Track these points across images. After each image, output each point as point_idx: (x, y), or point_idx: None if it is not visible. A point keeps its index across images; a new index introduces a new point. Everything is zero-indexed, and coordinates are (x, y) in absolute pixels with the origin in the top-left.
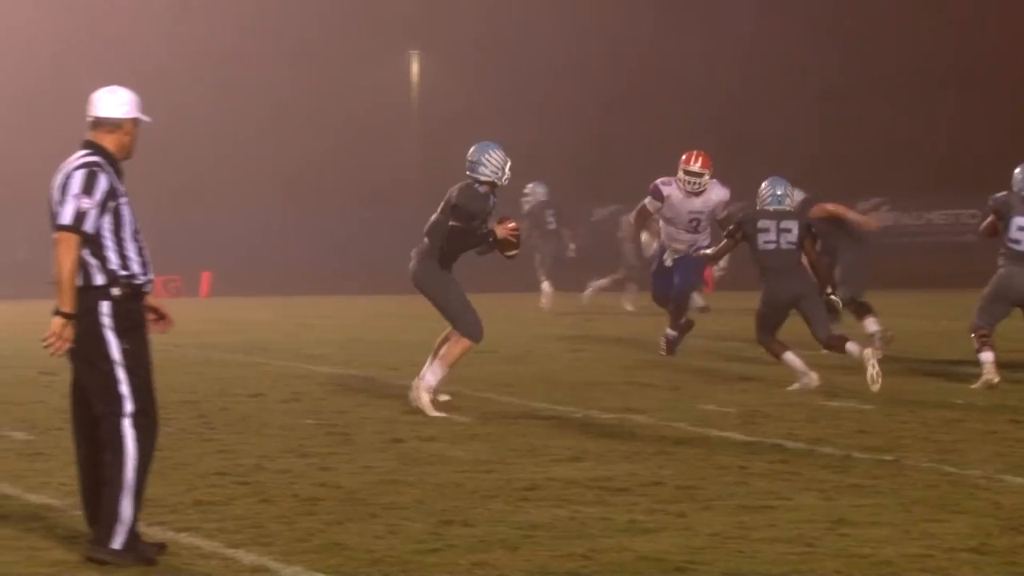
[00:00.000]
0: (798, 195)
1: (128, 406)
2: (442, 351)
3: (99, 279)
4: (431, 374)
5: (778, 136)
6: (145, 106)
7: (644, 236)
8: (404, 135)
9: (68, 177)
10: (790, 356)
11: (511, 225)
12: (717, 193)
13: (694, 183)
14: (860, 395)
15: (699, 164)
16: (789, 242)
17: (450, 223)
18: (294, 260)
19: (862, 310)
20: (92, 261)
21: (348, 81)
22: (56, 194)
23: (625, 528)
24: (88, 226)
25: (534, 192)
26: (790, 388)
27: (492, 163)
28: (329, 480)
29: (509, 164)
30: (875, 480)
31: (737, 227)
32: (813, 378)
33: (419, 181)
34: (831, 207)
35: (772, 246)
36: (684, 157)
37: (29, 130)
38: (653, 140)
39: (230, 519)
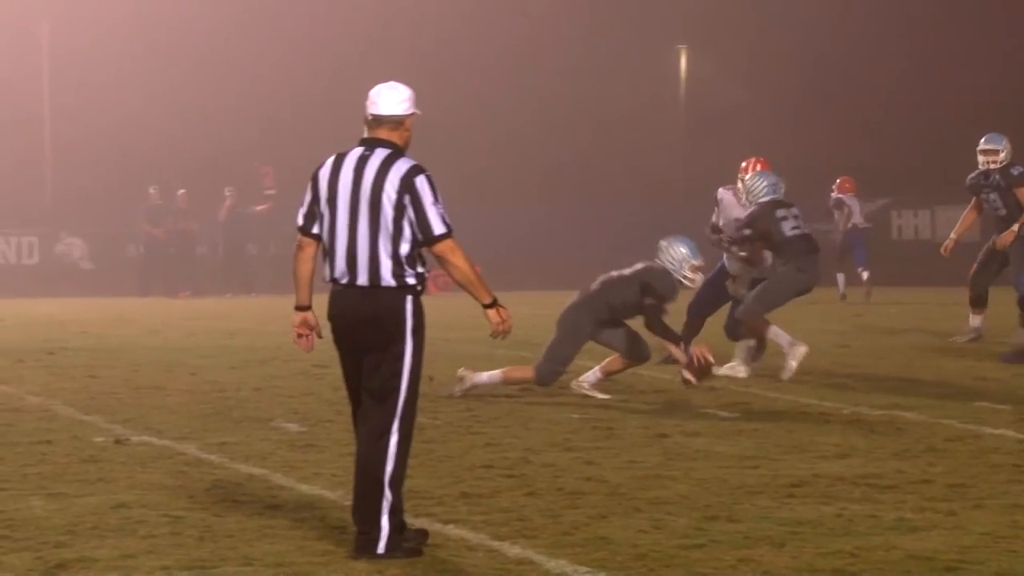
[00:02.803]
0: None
1: (400, 407)
2: (605, 363)
3: (410, 279)
4: (593, 374)
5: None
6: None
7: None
8: (671, 131)
9: (408, 185)
10: (777, 330)
11: (707, 353)
12: None
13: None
14: None
15: (760, 171)
16: (803, 226)
17: (647, 301)
18: (559, 255)
19: None
20: (406, 261)
21: (616, 76)
22: (392, 195)
23: (893, 526)
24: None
25: None
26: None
27: (673, 255)
28: (594, 474)
29: (691, 265)
30: None
31: (749, 227)
32: (801, 350)
33: (684, 178)
34: None
35: (799, 231)
36: (744, 164)
37: (307, 129)
38: (920, 134)
39: (496, 511)
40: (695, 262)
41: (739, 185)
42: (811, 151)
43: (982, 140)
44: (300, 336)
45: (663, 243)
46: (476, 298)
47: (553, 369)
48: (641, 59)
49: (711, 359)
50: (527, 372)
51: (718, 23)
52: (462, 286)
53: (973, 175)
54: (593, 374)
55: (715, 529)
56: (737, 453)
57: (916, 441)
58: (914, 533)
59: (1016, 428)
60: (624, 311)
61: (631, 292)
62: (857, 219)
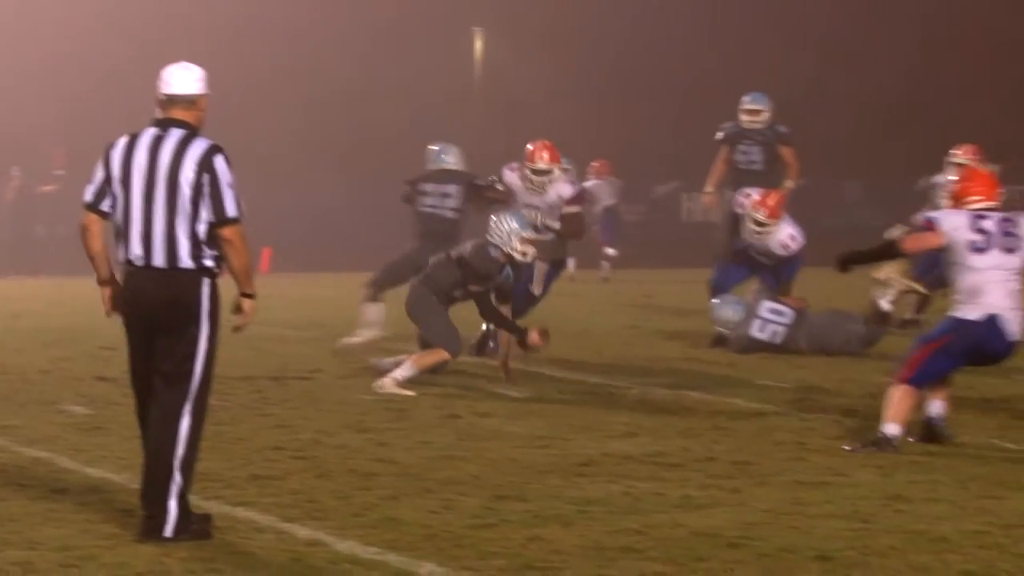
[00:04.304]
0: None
1: (194, 390)
2: (417, 355)
3: (208, 260)
4: (402, 370)
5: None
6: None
7: None
8: (466, 114)
9: (207, 165)
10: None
11: (541, 339)
12: (561, 189)
13: (540, 182)
14: None
15: (546, 159)
16: (450, 207)
17: (472, 288)
18: (354, 236)
19: None
20: (204, 243)
21: (410, 57)
22: (190, 175)
23: (679, 504)
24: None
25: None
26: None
27: (501, 229)
28: (385, 455)
29: (521, 238)
30: (932, 457)
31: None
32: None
33: (480, 160)
34: None
35: (430, 209)
36: (529, 151)
37: (99, 109)
38: (714, 118)
39: (286, 493)
40: (525, 234)
41: (524, 171)
42: (607, 135)
43: (746, 99)
44: (114, 308)
45: (493, 218)
46: (242, 285)
47: (452, 345)
48: (441, 41)
49: (539, 344)
50: (439, 355)
51: (515, 5)
52: (234, 272)
53: (730, 126)
54: (403, 372)
55: (505, 508)
56: (528, 433)
57: (702, 420)
58: (699, 510)
59: (799, 407)
60: (452, 290)
61: (452, 270)
62: (607, 201)
